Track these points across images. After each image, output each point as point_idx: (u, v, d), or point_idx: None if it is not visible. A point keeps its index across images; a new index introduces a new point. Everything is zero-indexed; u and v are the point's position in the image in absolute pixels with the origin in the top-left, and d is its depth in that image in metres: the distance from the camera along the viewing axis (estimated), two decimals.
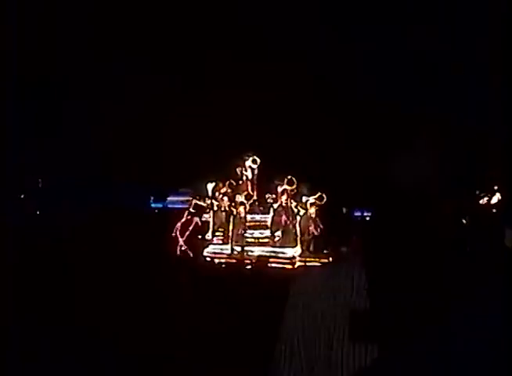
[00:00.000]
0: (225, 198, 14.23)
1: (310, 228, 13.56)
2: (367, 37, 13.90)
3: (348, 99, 13.97)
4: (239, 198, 14.14)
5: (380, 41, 13.93)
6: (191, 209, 14.41)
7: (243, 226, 13.93)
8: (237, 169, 14.55)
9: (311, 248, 13.51)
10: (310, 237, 13.57)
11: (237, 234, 13.88)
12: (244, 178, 14.53)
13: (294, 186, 13.73)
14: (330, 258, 12.89)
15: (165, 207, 15.34)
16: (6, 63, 13.09)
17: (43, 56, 13.95)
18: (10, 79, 13.13)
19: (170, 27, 14.40)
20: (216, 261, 13.53)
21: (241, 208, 13.93)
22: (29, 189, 13.77)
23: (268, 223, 13.96)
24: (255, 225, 14.15)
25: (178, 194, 15.28)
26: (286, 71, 14.09)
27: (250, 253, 13.58)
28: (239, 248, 13.78)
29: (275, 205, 13.92)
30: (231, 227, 13.98)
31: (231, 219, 14.03)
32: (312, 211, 13.62)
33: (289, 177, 13.72)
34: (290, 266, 13.02)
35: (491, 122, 12.89)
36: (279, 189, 13.91)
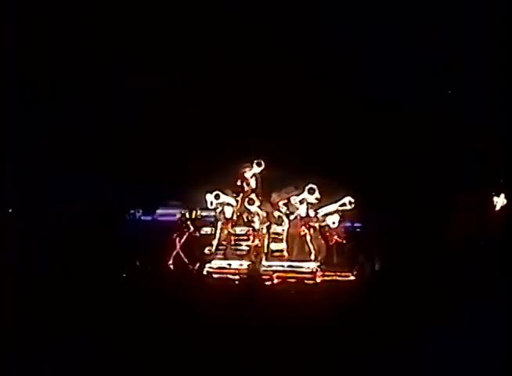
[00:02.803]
0: (229, 209, 13.42)
1: (333, 239, 12.99)
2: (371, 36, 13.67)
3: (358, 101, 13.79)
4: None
5: (381, 41, 13.66)
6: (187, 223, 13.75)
7: (253, 238, 13.18)
8: (239, 178, 13.78)
9: (334, 261, 12.95)
10: (335, 249, 12.97)
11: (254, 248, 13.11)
12: (247, 187, 13.71)
13: (315, 196, 12.92)
14: (352, 272, 12.60)
15: (155, 220, 14.48)
16: (6, 64, 12.88)
17: (43, 55, 13.46)
18: (10, 79, 12.90)
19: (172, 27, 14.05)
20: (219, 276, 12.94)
21: (255, 219, 13.16)
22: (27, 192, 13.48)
23: (283, 236, 13.19)
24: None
25: (167, 207, 14.47)
26: (289, 72, 13.64)
27: (264, 268, 12.88)
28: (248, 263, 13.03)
29: (292, 216, 13.17)
30: (243, 240, 13.28)
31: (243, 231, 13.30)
32: (334, 220, 13.00)
33: (309, 186, 12.89)
34: (311, 282, 12.44)
35: (491, 122, 12.92)
36: (295, 198, 13.15)
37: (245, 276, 12.68)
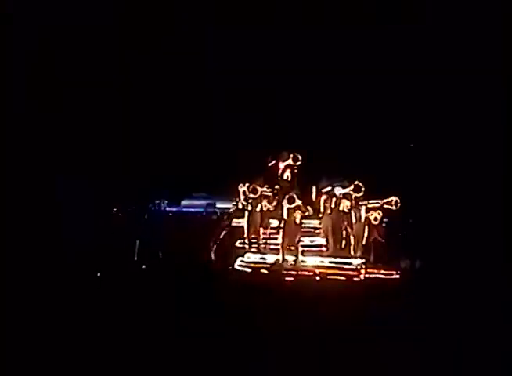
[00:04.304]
0: (265, 201, 12.77)
1: (374, 235, 12.29)
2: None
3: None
4: (285, 202, 12.57)
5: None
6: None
7: (296, 233, 12.43)
8: (273, 168, 13.22)
9: (371, 258, 12.22)
10: (373, 246, 12.28)
11: (290, 242, 12.41)
12: (281, 180, 13.14)
13: (361, 194, 12.35)
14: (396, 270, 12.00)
15: (180, 212, 14.18)
16: (8, 64, 12.71)
17: (43, 55, 13.27)
18: (16, 79, 12.75)
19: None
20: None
21: (297, 213, 12.40)
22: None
23: (324, 230, 12.52)
24: (305, 232, 12.66)
25: (192, 198, 14.25)
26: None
27: (303, 264, 12.21)
28: (291, 258, 12.31)
29: (330, 209, 12.52)
30: (281, 234, 12.50)
31: (281, 225, 12.59)
32: (376, 216, 12.32)
33: (356, 183, 12.33)
34: (356, 279, 11.80)
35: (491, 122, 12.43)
36: (338, 192, 12.52)
37: (267, 272, 12.16)
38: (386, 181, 12.52)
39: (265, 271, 12.13)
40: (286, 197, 12.55)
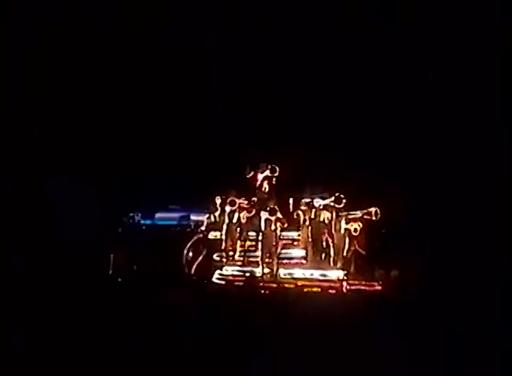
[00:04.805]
0: (243, 213, 12.71)
1: (354, 247, 12.13)
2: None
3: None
4: (266, 214, 12.44)
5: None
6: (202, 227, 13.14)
7: (276, 245, 12.29)
8: (250, 180, 13.14)
9: (352, 269, 12.06)
10: (354, 257, 12.11)
11: (269, 254, 12.29)
12: (259, 191, 13.01)
13: (342, 205, 12.20)
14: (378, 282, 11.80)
15: (154, 225, 13.92)
16: (8, 63, 12.64)
17: (43, 55, 13.18)
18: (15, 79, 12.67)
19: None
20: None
21: (277, 225, 12.28)
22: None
23: (304, 242, 12.40)
24: (284, 244, 12.55)
25: (167, 211, 13.97)
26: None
27: (283, 276, 12.11)
28: (270, 270, 12.20)
29: (310, 221, 12.38)
30: (260, 246, 12.36)
31: (259, 237, 12.41)
32: (356, 227, 12.16)
33: (337, 194, 12.21)
34: (337, 291, 11.64)
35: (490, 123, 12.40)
36: (318, 203, 12.37)
37: (244, 285, 11.98)
38: (366, 191, 12.42)
39: (242, 284, 11.96)
40: (268, 208, 12.43)
